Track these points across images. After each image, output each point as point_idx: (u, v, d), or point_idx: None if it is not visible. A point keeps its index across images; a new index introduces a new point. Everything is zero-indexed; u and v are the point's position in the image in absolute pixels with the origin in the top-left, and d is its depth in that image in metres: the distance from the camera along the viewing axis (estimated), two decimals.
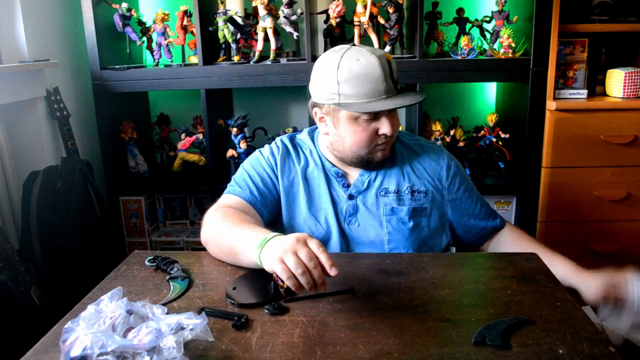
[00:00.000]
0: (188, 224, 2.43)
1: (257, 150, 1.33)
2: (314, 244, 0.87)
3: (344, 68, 1.13)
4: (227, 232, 1.07)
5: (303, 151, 1.31)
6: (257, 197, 1.23)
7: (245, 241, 1.00)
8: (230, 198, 1.23)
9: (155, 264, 1.11)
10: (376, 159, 1.22)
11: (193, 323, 0.77)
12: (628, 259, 2.21)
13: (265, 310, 0.90)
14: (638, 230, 2.18)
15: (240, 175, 1.29)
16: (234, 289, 0.98)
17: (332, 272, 0.85)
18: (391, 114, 1.17)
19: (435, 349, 0.78)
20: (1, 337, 1.56)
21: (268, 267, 0.90)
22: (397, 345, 0.80)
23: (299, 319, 0.88)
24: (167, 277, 1.05)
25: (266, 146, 1.33)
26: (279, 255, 0.87)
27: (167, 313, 0.82)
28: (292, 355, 0.78)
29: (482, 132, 2.23)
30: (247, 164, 1.31)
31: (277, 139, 1.34)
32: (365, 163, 1.23)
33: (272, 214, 1.26)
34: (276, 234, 0.96)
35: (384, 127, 1.16)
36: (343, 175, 1.27)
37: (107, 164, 2.23)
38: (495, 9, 2.10)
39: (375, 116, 1.15)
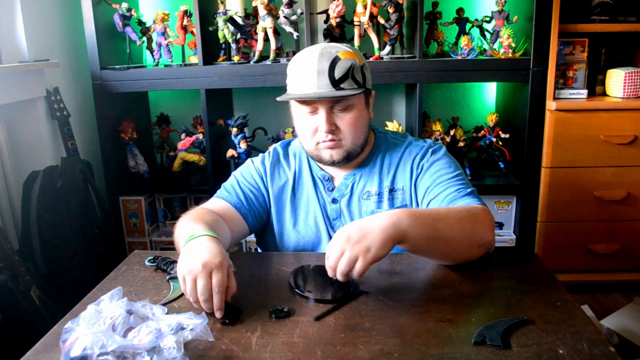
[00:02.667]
0: None
1: (249, 159, 1.35)
2: (216, 280, 0.87)
3: (292, 59, 1.18)
4: (179, 228, 1.08)
5: (295, 157, 1.31)
6: (242, 202, 1.24)
7: (180, 238, 1.01)
8: (216, 201, 1.25)
9: (155, 264, 1.11)
10: (324, 157, 1.18)
11: (193, 323, 0.77)
12: (628, 259, 2.22)
13: (271, 315, 0.90)
14: (638, 230, 2.18)
15: (229, 182, 1.30)
16: (303, 279, 0.98)
17: (217, 314, 0.88)
18: (333, 110, 1.14)
19: (435, 349, 0.78)
20: (1, 337, 1.56)
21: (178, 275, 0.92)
22: (397, 345, 0.80)
23: (299, 319, 0.88)
24: (167, 277, 1.05)
25: (259, 155, 1.34)
26: (183, 273, 0.89)
27: (167, 313, 0.82)
28: (292, 355, 0.78)
29: (482, 132, 2.23)
30: (237, 172, 1.32)
31: (272, 147, 1.35)
32: (319, 160, 1.22)
33: (258, 221, 1.27)
34: (199, 235, 0.95)
35: (319, 122, 1.14)
36: (329, 179, 1.26)
37: (107, 164, 2.23)
38: (495, 9, 2.11)
39: (315, 110, 1.15)
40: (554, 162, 2.12)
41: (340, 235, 0.91)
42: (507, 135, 2.19)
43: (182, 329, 0.76)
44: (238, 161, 2.22)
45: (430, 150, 1.22)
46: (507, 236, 2.27)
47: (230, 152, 2.20)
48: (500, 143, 2.21)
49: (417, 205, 1.21)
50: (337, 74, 1.10)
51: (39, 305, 1.65)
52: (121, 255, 2.10)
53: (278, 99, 1.18)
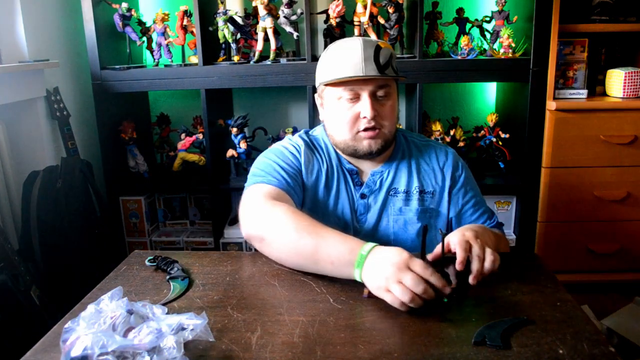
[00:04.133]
0: (188, 224, 2.43)
1: (278, 144, 1.29)
2: (418, 268, 0.86)
3: (330, 49, 1.19)
4: (307, 234, 1.00)
5: (321, 148, 1.30)
6: (291, 186, 1.18)
7: (336, 252, 0.96)
8: (266, 188, 1.15)
9: (155, 264, 1.11)
10: (362, 148, 1.19)
11: (193, 323, 0.77)
12: (628, 259, 2.22)
13: None
14: (638, 230, 2.18)
15: (268, 166, 1.21)
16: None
17: (445, 291, 0.87)
18: (376, 98, 1.16)
19: (435, 349, 0.78)
20: (1, 337, 1.56)
21: (376, 294, 0.90)
22: (397, 345, 0.80)
23: (299, 319, 0.88)
24: (167, 277, 1.05)
25: (286, 140, 1.29)
26: (384, 285, 0.87)
27: (167, 313, 0.82)
28: (292, 355, 0.78)
29: (482, 132, 2.23)
30: (271, 155, 1.24)
31: (296, 136, 1.31)
32: (354, 151, 1.21)
33: (299, 205, 1.23)
34: (370, 247, 0.93)
35: (363, 108, 1.14)
36: (357, 173, 1.26)
37: (107, 164, 2.23)
38: (495, 9, 2.11)
39: (356, 97, 1.15)
40: (554, 162, 2.12)
41: (471, 235, 0.98)
42: (507, 135, 2.19)
43: (183, 329, 0.76)
44: (238, 161, 2.22)
45: (460, 164, 1.30)
46: (507, 236, 2.27)
47: (230, 152, 2.20)
48: (500, 143, 2.21)
49: (447, 211, 1.28)
50: (382, 60, 1.14)
51: (39, 305, 1.65)
52: (121, 255, 2.10)
53: (324, 82, 1.18)
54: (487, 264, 0.94)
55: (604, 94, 2.24)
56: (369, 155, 1.21)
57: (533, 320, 0.86)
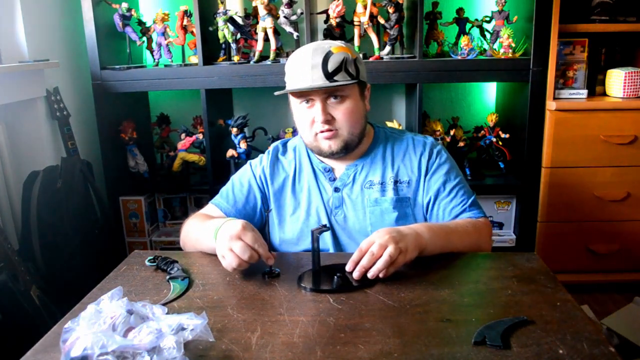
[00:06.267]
0: None
1: (248, 162, 1.39)
2: (247, 238, 1.00)
3: (289, 58, 1.24)
4: (195, 228, 1.23)
5: (294, 151, 1.36)
6: (232, 210, 1.31)
7: (205, 232, 1.15)
8: (209, 207, 1.35)
9: (155, 264, 1.11)
10: (323, 147, 1.23)
11: (193, 323, 0.77)
12: (628, 259, 2.22)
13: (264, 277, 1.04)
14: (638, 230, 2.18)
15: (226, 186, 1.37)
16: (308, 275, 1.04)
17: (269, 262, 1.03)
18: (328, 101, 1.19)
19: (435, 349, 0.79)
20: (1, 337, 1.56)
21: (220, 260, 1.04)
22: (397, 345, 0.80)
23: (299, 319, 0.88)
24: (167, 277, 1.05)
25: (257, 158, 1.39)
26: (221, 252, 1.02)
27: (167, 313, 0.82)
28: (292, 355, 0.78)
29: (482, 132, 2.23)
30: (235, 176, 1.38)
31: (271, 146, 1.40)
32: (318, 151, 1.26)
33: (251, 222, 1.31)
34: (223, 222, 1.07)
35: (316, 113, 1.19)
36: (330, 170, 1.30)
37: (107, 164, 2.23)
38: (495, 9, 2.10)
39: (312, 101, 1.19)
40: (554, 162, 2.12)
41: (382, 232, 1.02)
42: (507, 135, 2.18)
43: (183, 329, 0.76)
44: (238, 161, 2.22)
45: (434, 152, 1.29)
46: (507, 236, 2.27)
47: (230, 152, 2.20)
48: (500, 143, 2.21)
49: (421, 201, 1.27)
50: (330, 67, 1.16)
51: (39, 305, 1.65)
52: (121, 255, 2.10)
53: (276, 93, 1.25)
54: (378, 262, 0.98)
55: (604, 94, 2.24)
56: (331, 155, 1.25)
57: (533, 320, 0.86)
